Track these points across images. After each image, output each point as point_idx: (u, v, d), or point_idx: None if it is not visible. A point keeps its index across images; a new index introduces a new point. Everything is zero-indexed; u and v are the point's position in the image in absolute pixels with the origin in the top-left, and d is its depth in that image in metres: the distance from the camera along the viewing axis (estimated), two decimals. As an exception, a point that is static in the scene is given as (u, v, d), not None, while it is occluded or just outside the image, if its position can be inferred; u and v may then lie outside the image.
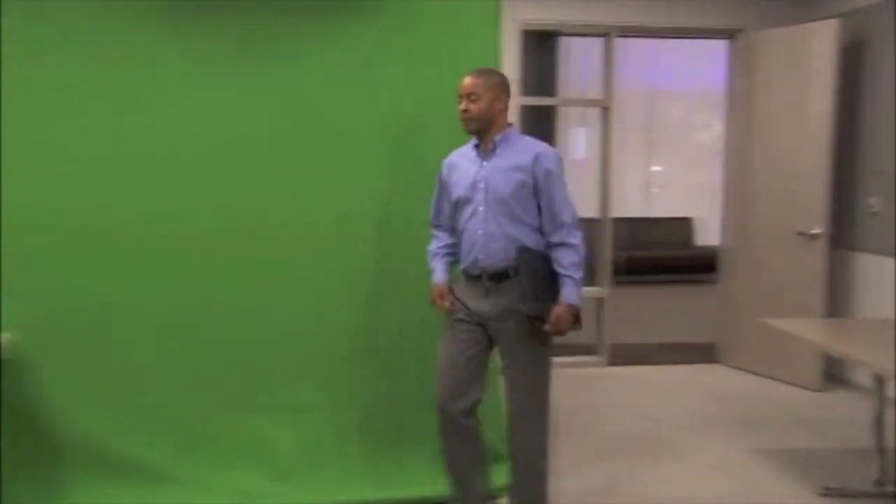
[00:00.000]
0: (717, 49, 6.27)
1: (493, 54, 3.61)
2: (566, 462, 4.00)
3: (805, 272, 5.40)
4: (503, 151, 3.03)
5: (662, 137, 11.35)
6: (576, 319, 3.01)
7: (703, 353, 6.32)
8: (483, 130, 3.04)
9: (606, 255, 6.15)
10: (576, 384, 5.57)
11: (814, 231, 5.34)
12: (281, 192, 3.55)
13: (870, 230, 5.35)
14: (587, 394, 5.40)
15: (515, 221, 3.00)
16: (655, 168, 11.44)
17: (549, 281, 3.00)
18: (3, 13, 3.29)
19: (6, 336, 3.23)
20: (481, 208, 3.02)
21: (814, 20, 5.49)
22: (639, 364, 6.20)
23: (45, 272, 3.38)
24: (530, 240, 3.01)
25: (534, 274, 2.98)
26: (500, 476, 3.44)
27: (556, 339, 3.07)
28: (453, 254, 3.20)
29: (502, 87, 3.06)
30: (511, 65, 5.26)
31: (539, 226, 3.03)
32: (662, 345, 6.83)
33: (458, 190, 3.08)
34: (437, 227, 3.25)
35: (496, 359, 3.19)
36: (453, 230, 3.18)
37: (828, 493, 3.69)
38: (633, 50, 7.05)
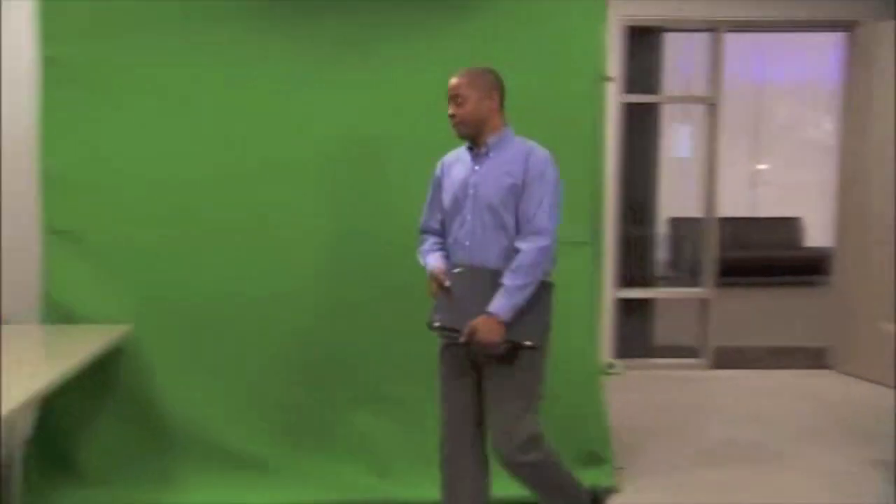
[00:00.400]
0: (827, 42, 6.03)
1: (599, 53, 3.57)
2: (668, 467, 3.92)
3: (925, 276, 5.14)
4: (497, 155, 2.77)
5: (769, 134, 11.01)
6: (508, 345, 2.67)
7: (813, 358, 6.10)
8: (475, 134, 2.78)
9: (711, 255, 6.00)
10: (678, 387, 5.46)
11: (935, 232, 5.08)
12: (382, 193, 3.58)
13: None
14: (690, 397, 5.28)
15: (502, 231, 2.73)
16: (761, 166, 11.11)
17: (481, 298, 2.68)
18: (110, 17, 3.43)
19: (121, 327, 3.38)
20: (469, 217, 2.77)
21: (937, 11, 5.22)
22: (744, 368, 6.03)
23: (159, 266, 3.50)
24: (509, 257, 2.72)
25: (466, 290, 2.71)
26: (604, 477, 3.41)
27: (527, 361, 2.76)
28: (445, 251, 2.91)
29: (492, 84, 2.79)
30: (613, 62, 5.19)
31: None
32: (769, 348, 6.62)
33: (448, 195, 2.84)
34: (427, 232, 2.97)
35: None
36: (444, 235, 2.92)
37: (950, 508, 3.51)
38: (738, 44, 6.83)
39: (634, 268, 6.10)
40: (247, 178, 3.52)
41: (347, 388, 3.61)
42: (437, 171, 2.94)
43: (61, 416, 3.47)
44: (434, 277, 2.80)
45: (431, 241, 2.94)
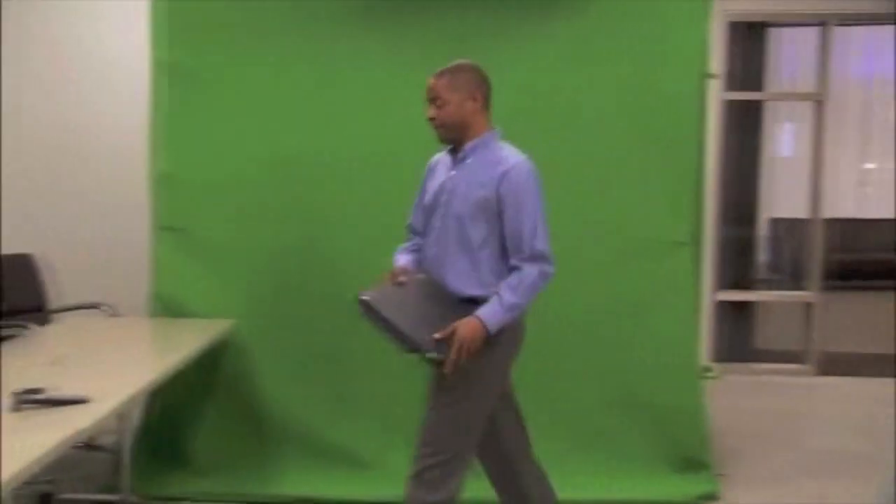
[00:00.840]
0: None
1: (703, 50, 3.50)
2: (769, 476, 3.81)
3: None
4: (474, 161, 2.52)
5: (878, 132, 10.56)
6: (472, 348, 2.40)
7: (927, 368, 5.82)
8: (457, 138, 2.54)
9: (816, 257, 5.79)
10: (780, 393, 5.30)
11: None
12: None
13: None
14: (793, 404, 5.12)
15: (464, 248, 2.49)
16: (869, 165, 10.67)
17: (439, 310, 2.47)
18: (220, 20, 3.53)
19: (226, 322, 3.48)
20: (438, 224, 2.55)
21: None
22: (850, 375, 5.80)
23: (264, 264, 3.59)
24: (468, 280, 2.48)
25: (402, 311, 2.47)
26: (704, 484, 3.33)
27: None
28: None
29: (475, 83, 2.54)
30: (716, 58, 5.05)
31: (491, 262, 2.49)
32: (877, 355, 6.33)
33: (427, 198, 2.63)
34: (413, 232, 2.77)
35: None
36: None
37: None
38: (847, 38, 6.58)
39: (734, 269, 5.95)
40: (352, 177, 3.57)
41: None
42: (425, 173, 2.72)
43: (169, 407, 3.61)
44: (393, 270, 2.60)
45: (413, 241, 2.74)
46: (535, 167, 2.52)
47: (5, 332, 3.56)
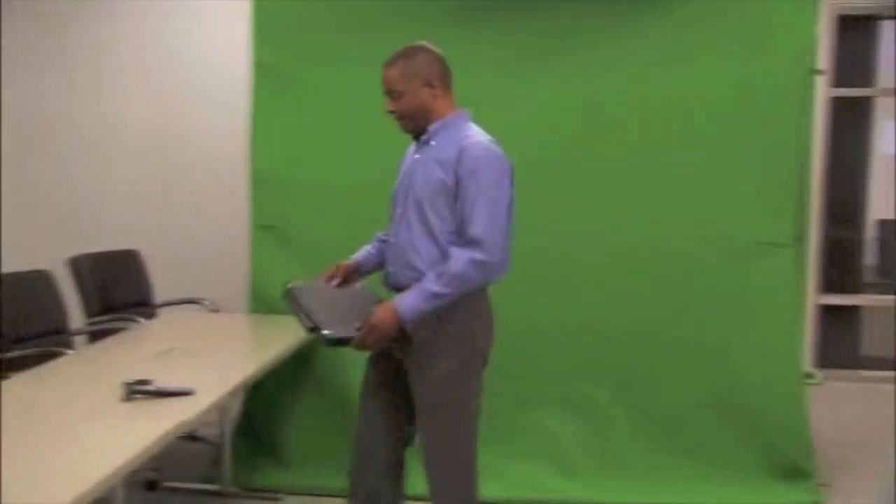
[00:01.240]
0: None
1: (809, 45, 3.38)
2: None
3: None
4: (437, 143, 2.41)
5: None
6: (400, 337, 2.33)
7: None
8: (421, 127, 2.44)
9: (929, 261, 5.52)
10: (887, 401, 5.05)
11: None
12: (584, 191, 3.56)
13: None
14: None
15: (430, 236, 2.36)
16: None
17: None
18: (318, 22, 3.58)
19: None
20: (399, 211, 2.46)
21: None
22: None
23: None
24: (438, 267, 2.32)
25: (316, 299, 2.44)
26: (807, 493, 3.22)
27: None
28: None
29: (429, 67, 2.40)
30: (823, 53, 4.87)
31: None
32: None
33: (394, 186, 2.54)
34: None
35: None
36: None
37: None
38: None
39: (840, 272, 5.73)
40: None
41: (535, 386, 3.60)
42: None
43: (266, 401, 3.69)
44: (336, 267, 2.59)
45: (382, 235, 2.66)
46: (500, 150, 2.38)
47: (115, 324, 3.72)
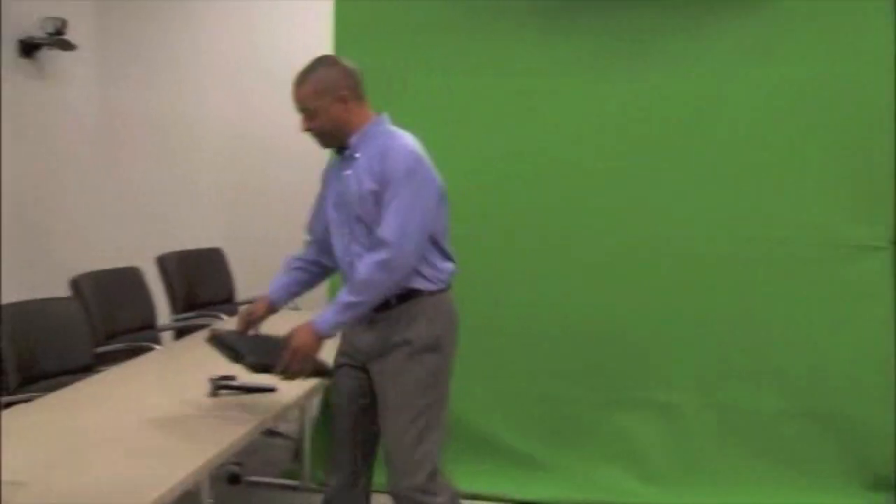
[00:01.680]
0: None
1: (893, 48, 3.26)
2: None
3: None
4: (363, 154, 2.34)
5: None
6: (314, 368, 2.31)
7: None
8: (341, 141, 2.38)
9: None
10: None
11: None
12: (666, 192, 3.50)
13: None
14: None
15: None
16: None
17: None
18: (399, 25, 3.59)
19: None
20: (346, 229, 2.39)
21: None
22: None
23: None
24: None
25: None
26: None
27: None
28: (311, 273, 2.60)
29: (337, 80, 2.35)
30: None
31: None
32: None
33: (329, 210, 2.46)
34: (309, 239, 2.63)
35: None
36: (324, 250, 2.55)
37: None
38: None
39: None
40: (539, 179, 3.55)
41: (614, 390, 3.56)
42: (323, 176, 2.56)
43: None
44: (244, 315, 2.50)
45: (303, 255, 2.61)
46: (420, 151, 2.33)
47: (200, 321, 3.81)
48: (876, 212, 3.33)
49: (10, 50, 4.68)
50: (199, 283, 4.27)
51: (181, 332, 3.88)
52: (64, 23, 4.73)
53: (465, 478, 3.53)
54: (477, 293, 3.60)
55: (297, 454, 3.72)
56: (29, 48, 4.74)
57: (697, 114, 3.45)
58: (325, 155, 3.79)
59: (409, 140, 2.36)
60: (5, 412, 2.52)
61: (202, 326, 3.59)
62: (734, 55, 3.41)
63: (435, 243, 2.38)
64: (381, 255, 2.23)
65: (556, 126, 3.53)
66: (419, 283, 2.34)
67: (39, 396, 2.61)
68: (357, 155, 2.35)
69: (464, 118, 3.58)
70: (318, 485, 3.56)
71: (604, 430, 3.55)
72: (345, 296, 2.27)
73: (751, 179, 3.41)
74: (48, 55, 4.88)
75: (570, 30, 3.51)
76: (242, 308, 2.52)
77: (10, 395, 2.81)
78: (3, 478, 1.86)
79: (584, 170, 3.53)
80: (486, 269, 3.57)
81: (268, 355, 2.27)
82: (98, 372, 3.03)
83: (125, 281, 3.90)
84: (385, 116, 2.43)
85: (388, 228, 2.24)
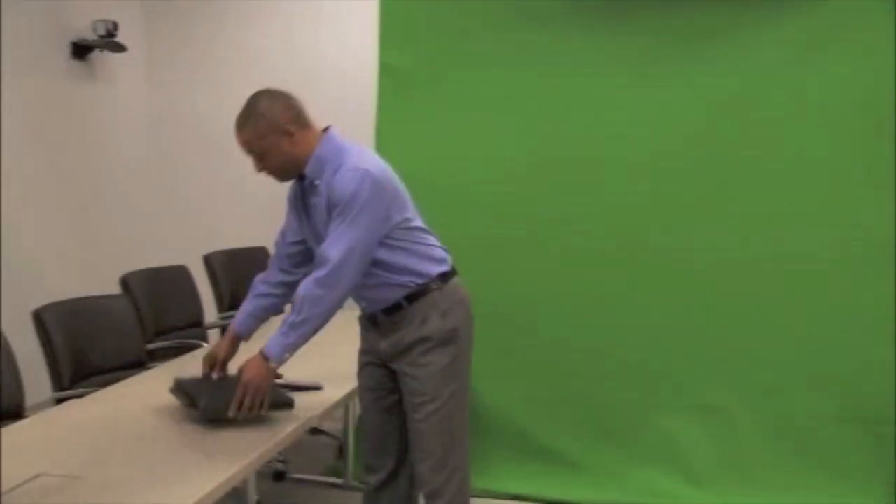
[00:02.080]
0: None
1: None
2: None
3: None
4: (322, 183, 2.31)
5: None
6: (273, 400, 2.28)
7: None
8: (297, 171, 2.35)
9: None
10: None
11: None
12: (706, 193, 3.46)
13: None
14: None
15: (372, 268, 2.32)
16: None
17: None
18: (443, 23, 3.60)
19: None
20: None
21: None
22: None
23: (479, 263, 3.60)
24: (379, 296, 2.37)
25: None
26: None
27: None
28: (276, 296, 2.55)
29: (277, 117, 2.29)
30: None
31: (388, 273, 2.34)
32: None
33: (309, 241, 2.45)
34: (275, 256, 2.60)
35: None
36: (289, 269, 2.53)
37: None
38: None
39: None
40: (568, 176, 3.54)
41: (657, 392, 3.53)
42: (287, 202, 2.52)
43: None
44: (207, 358, 2.46)
45: (267, 276, 2.57)
46: (368, 165, 2.28)
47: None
48: None
49: (64, 52, 4.79)
50: (245, 281, 4.30)
51: (227, 330, 3.93)
52: (115, 25, 4.83)
53: (507, 478, 3.56)
54: (519, 292, 3.61)
55: (340, 452, 3.76)
56: (81, 50, 4.85)
57: (736, 116, 3.40)
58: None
59: (354, 157, 2.30)
60: (59, 407, 2.59)
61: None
62: (780, 56, 3.36)
63: (416, 232, 2.39)
64: (321, 272, 2.23)
65: (597, 124, 3.51)
66: (421, 280, 2.36)
67: (92, 392, 2.67)
68: (317, 182, 2.32)
69: (507, 115, 3.58)
70: (360, 483, 3.57)
71: (646, 432, 3.53)
72: (289, 316, 2.26)
73: (798, 185, 3.36)
74: (99, 57, 4.99)
75: (615, 29, 3.49)
76: (205, 354, 2.50)
77: (63, 390, 2.88)
78: (59, 471, 1.91)
79: (625, 169, 3.49)
80: (529, 267, 3.58)
81: (223, 399, 2.22)
82: (148, 368, 3.09)
83: (173, 279, 3.96)
84: (332, 132, 2.38)
85: (330, 247, 2.23)
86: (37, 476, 1.88)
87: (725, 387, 3.45)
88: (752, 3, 3.36)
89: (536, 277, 3.58)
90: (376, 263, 2.31)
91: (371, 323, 2.46)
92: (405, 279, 2.35)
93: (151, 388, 2.60)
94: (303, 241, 2.47)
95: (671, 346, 3.49)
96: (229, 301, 4.18)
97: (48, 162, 4.70)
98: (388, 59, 3.68)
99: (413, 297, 2.35)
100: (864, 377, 3.33)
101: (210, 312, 4.16)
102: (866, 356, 3.32)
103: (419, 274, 2.36)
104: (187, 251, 4.29)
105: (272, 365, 2.24)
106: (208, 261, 4.25)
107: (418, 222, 2.44)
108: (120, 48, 4.91)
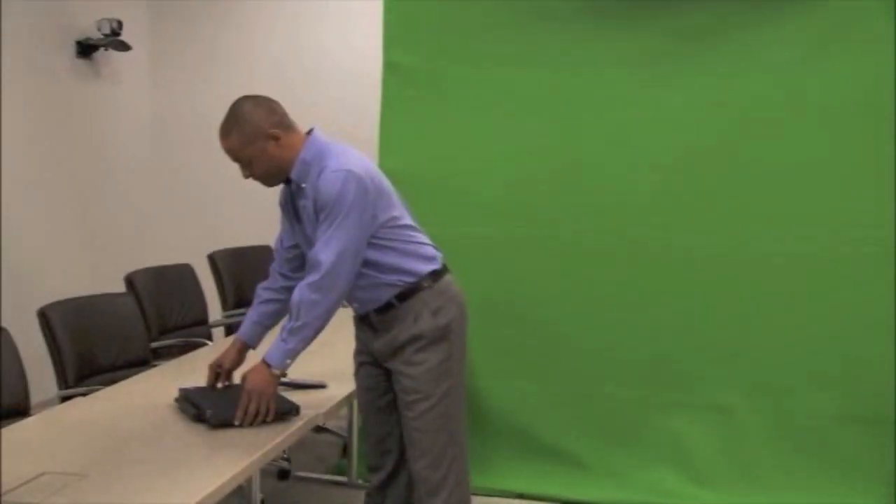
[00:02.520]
0: None
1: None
2: None
3: None
4: (308, 185, 2.31)
5: None
6: (278, 408, 2.27)
7: None
8: (284, 175, 2.35)
9: None
10: None
11: None
12: (715, 193, 3.44)
13: None
14: None
15: (365, 268, 2.32)
16: None
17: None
18: (449, 23, 3.60)
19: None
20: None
21: None
22: None
23: (488, 260, 3.62)
24: (372, 296, 2.38)
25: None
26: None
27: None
28: (281, 302, 2.52)
29: (262, 121, 2.28)
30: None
31: (378, 274, 2.34)
32: None
33: (301, 245, 2.45)
34: (275, 263, 2.60)
35: None
36: (288, 274, 2.53)
37: None
38: None
39: None
40: (578, 176, 3.52)
41: (664, 391, 3.52)
42: (280, 205, 2.52)
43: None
44: (212, 367, 2.47)
45: (269, 282, 2.57)
46: (352, 166, 2.27)
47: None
48: None
49: (68, 51, 4.80)
50: (250, 279, 4.30)
51: (231, 329, 3.94)
52: (120, 24, 4.84)
53: (511, 477, 3.56)
54: (524, 290, 3.61)
55: (344, 450, 3.76)
56: (86, 49, 4.86)
57: (736, 115, 3.38)
58: (373, 155, 3.83)
59: (337, 158, 2.30)
60: (64, 405, 2.59)
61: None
62: (788, 55, 3.34)
63: (404, 230, 2.39)
64: (314, 276, 2.23)
65: (600, 123, 3.49)
66: (411, 278, 2.36)
67: (97, 390, 2.68)
68: (304, 185, 2.32)
69: (511, 114, 3.56)
70: (365, 481, 3.59)
71: (649, 431, 3.52)
72: (287, 323, 2.27)
73: (807, 184, 3.35)
74: (104, 56, 5.00)
75: (617, 28, 3.48)
76: (211, 362, 2.50)
77: (68, 388, 2.89)
78: (64, 469, 1.92)
79: (627, 168, 3.48)
80: (534, 266, 3.57)
81: (230, 408, 2.24)
82: (153, 366, 3.10)
83: (178, 278, 3.97)
84: (315, 134, 2.37)
85: (321, 250, 2.23)
86: (41, 474, 1.89)
87: (728, 386, 3.44)
88: (752, 4, 3.35)
89: (541, 276, 3.57)
90: (365, 263, 2.31)
91: (364, 323, 2.46)
92: (395, 278, 2.35)
93: (156, 387, 2.61)
94: (298, 246, 2.47)
95: (673, 346, 3.48)
96: (234, 299, 4.18)
97: (53, 160, 4.71)
98: (392, 57, 3.68)
99: (404, 295, 2.35)
100: (865, 377, 3.32)
101: (214, 311, 4.17)
102: (867, 356, 3.31)
103: (409, 272, 2.36)
104: (192, 250, 4.30)
105: (275, 371, 2.25)
106: (213, 259, 4.25)
107: (406, 220, 2.44)
108: (124, 47, 4.91)
